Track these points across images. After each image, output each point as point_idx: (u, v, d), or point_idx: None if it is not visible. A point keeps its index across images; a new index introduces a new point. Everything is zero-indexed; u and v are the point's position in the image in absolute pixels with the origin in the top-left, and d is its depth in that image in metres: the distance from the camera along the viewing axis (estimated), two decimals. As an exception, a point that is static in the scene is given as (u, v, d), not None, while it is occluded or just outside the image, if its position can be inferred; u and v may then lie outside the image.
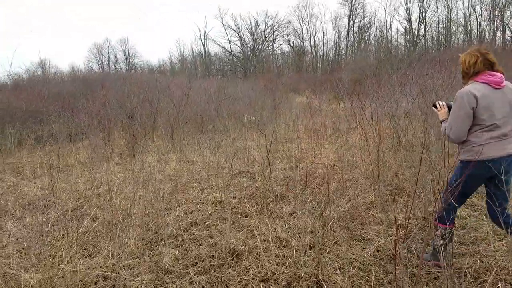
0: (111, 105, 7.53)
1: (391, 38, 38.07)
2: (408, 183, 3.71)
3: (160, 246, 2.72)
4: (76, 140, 8.40)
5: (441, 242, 1.90)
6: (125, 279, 2.24)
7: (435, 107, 2.19)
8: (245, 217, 3.37)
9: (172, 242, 2.84)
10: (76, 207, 3.97)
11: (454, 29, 35.04)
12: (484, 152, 1.84)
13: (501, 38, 31.57)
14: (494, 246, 2.34)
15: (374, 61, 20.45)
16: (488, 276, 1.96)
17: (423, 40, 36.43)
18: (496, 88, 1.88)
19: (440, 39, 36.04)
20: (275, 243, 2.61)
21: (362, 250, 2.48)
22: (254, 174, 5.14)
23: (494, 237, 2.47)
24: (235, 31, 41.16)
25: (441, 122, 2.11)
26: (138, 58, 45.92)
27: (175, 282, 2.21)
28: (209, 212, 3.52)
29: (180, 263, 2.45)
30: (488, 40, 31.10)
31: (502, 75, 1.91)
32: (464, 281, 1.98)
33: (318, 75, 28.82)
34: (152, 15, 62.75)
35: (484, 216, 2.89)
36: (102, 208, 3.76)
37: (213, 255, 2.52)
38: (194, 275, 2.25)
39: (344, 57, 38.14)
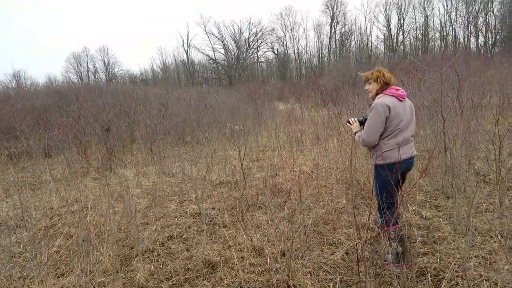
0: (86, 118, 7.41)
1: (371, 44, 39.34)
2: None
3: (135, 261, 2.72)
4: (52, 156, 8.19)
5: (399, 245, 2.15)
6: (98, 297, 2.23)
7: (349, 123, 2.56)
8: (223, 228, 3.41)
9: (148, 257, 2.84)
10: (49, 226, 3.89)
11: (431, 35, 36.64)
12: (393, 156, 2.21)
13: (475, 43, 33.28)
14: (454, 245, 2.48)
15: (354, 68, 21.03)
16: (446, 274, 2.08)
17: (401, 46, 37.84)
18: (401, 101, 2.27)
19: (418, 44, 37.53)
20: (250, 252, 2.67)
21: (332, 254, 2.57)
22: (234, 184, 5.19)
23: (454, 236, 2.62)
24: (218, 39, 41.41)
25: (354, 133, 2.47)
26: (119, 67, 45.11)
27: (148, 297, 2.22)
28: (187, 225, 3.54)
29: (155, 278, 2.46)
30: (463, 45, 32.69)
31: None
32: (425, 279, 2.10)
33: (302, 82, 29.35)
34: (132, 22, 62.13)
35: (448, 217, 3.05)
36: (76, 225, 3.69)
37: (188, 268, 2.54)
38: (168, 289, 2.27)
39: (327, 64, 39.04)
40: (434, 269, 2.19)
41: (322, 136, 7.72)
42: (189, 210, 4.08)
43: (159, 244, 3.09)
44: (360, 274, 1.92)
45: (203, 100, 8.52)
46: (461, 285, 1.99)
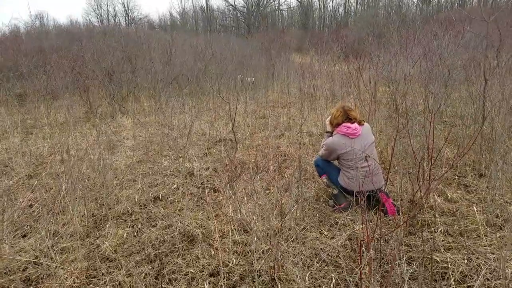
0: (86, 61, 6.92)
1: (403, -6, 35.36)
2: (399, 158, 3.33)
3: (107, 226, 2.40)
4: (58, 99, 7.91)
5: (334, 190, 2.63)
6: (57, 266, 1.95)
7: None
8: (214, 193, 3.05)
9: (124, 221, 2.53)
10: (33, 175, 3.64)
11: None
12: (351, 185, 2.54)
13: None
14: (485, 240, 2.01)
15: (383, 18, 18.99)
16: (475, 280, 1.64)
17: (436, -1, 33.91)
18: (352, 138, 2.51)
19: (454, -3, 33.53)
20: (237, 226, 2.30)
21: (332, 238, 2.16)
22: (233, 142, 4.77)
23: (486, 228, 2.14)
24: (238, -19, 38.20)
25: (325, 132, 2.82)
26: (138, 12, 43.29)
27: (111, 272, 1.91)
28: (176, 186, 3.18)
29: (125, 248, 2.14)
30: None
31: (357, 125, 2.54)
32: (446, 284, 1.67)
33: (325, 33, 27.02)
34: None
35: (479, 200, 2.54)
36: (60, 176, 3.40)
37: (164, 239, 2.21)
38: (135, 264, 1.95)
39: (354, 14, 35.81)
40: (460, 272, 1.74)
41: (339, 94, 7.03)
42: (182, 169, 3.71)
43: (140, 206, 2.76)
44: (362, 274, 1.50)
45: (210, 47, 7.75)
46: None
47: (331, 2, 38.47)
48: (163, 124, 5.53)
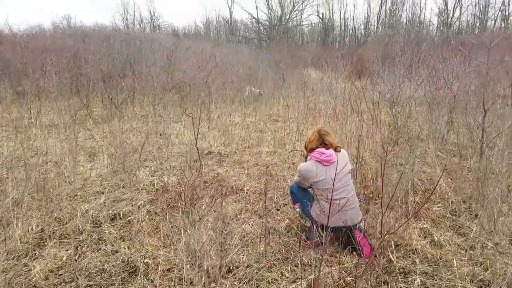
0: (88, 63, 6.88)
1: (424, 17, 35.08)
2: (389, 188, 3.03)
3: (50, 246, 2.18)
4: (52, 99, 7.90)
5: (307, 222, 2.41)
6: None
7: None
8: (182, 213, 2.81)
9: (70, 240, 2.30)
10: (2, 178, 3.48)
11: (491, 13, 31.93)
12: (323, 218, 2.19)
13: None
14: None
15: (402, 39, 18.62)
16: None
17: (457, 23, 33.53)
18: (325, 165, 2.27)
19: (475, 22, 33.09)
20: (189, 258, 2.04)
21: (293, 282, 1.88)
22: (224, 156, 4.57)
23: (470, 282, 1.82)
24: (263, -3, 38.84)
25: (304, 156, 2.57)
26: (163, 19, 44.28)
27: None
28: (141, 203, 2.95)
29: (59, 276, 1.91)
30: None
31: (332, 152, 2.29)
32: None
33: (344, 50, 26.82)
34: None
35: (469, 247, 2.22)
36: (30, 181, 3.23)
37: (103, 269, 1.97)
38: (59, 298, 1.72)
39: (374, 34, 35.65)
40: None
41: (341, 113, 6.77)
42: (156, 183, 3.50)
43: (95, 224, 2.54)
44: None
45: (214, 56, 7.64)
46: None
47: (351, 22, 38.31)
48: (155, 132, 5.36)
